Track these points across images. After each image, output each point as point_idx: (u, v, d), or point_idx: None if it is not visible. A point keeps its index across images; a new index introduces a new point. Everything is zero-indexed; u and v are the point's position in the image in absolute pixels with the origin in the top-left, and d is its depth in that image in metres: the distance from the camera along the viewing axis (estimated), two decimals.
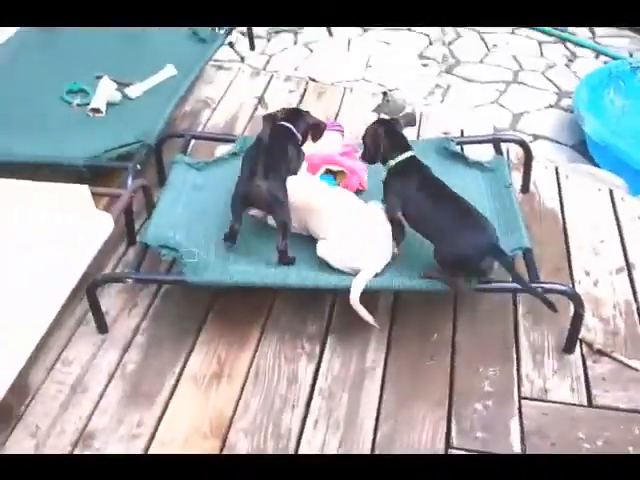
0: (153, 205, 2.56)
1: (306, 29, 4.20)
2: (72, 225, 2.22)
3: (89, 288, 2.18)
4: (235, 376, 2.14)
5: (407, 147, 2.21)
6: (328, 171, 2.49)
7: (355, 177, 2.47)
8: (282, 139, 2.34)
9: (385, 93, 3.49)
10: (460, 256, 2.01)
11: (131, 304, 2.39)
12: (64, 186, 2.37)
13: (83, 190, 2.34)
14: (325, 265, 2.17)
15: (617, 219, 2.73)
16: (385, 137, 2.20)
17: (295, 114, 2.44)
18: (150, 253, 2.34)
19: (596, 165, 3.21)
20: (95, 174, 2.68)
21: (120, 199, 2.40)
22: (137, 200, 2.57)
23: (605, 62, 4.09)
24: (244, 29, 3.95)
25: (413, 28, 4.24)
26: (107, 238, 2.24)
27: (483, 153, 2.76)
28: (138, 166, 2.63)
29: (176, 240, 2.26)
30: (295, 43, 4.10)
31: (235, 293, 2.32)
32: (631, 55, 4.15)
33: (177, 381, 2.13)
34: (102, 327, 2.27)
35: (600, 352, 2.20)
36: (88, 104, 3.10)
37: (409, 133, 3.19)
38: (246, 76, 3.70)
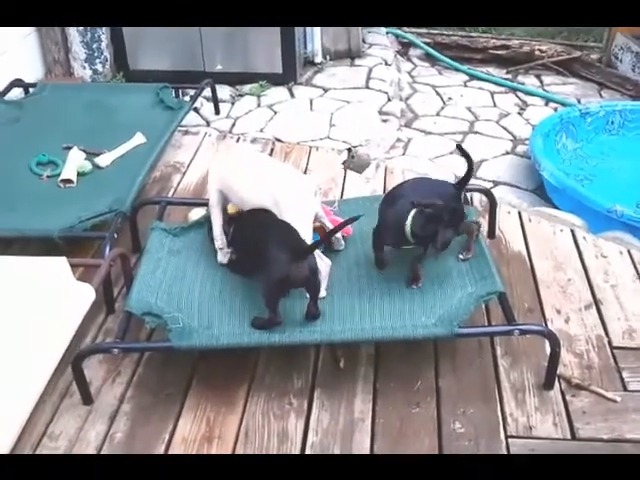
0: (131, 273, 2.59)
1: (268, 92, 4.34)
2: (53, 298, 2.23)
3: (75, 361, 2.17)
4: (226, 437, 2.14)
5: None
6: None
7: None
8: (271, 215, 2.37)
9: (350, 150, 3.62)
10: None
11: (114, 373, 2.38)
12: (41, 259, 2.38)
13: (61, 262, 2.35)
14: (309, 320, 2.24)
15: (581, 257, 2.86)
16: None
17: None
18: (131, 320, 2.36)
19: (555, 207, 3.36)
20: (67, 244, 2.70)
21: (99, 269, 2.41)
22: (114, 268, 2.59)
23: (555, 109, 4.31)
24: (209, 94, 4.06)
25: (371, 85, 4.41)
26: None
27: None
28: (115, 235, 2.67)
29: (159, 306, 2.29)
30: (259, 105, 4.22)
31: (218, 355, 2.34)
32: (579, 101, 4.38)
33: (167, 447, 2.12)
34: (87, 398, 2.26)
35: (578, 386, 2.27)
36: (58, 175, 3.14)
37: (377, 186, 3.35)
38: (213, 139, 3.79)
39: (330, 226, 2.48)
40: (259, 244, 2.25)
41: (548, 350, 2.26)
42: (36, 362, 2.01)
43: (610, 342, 2.45)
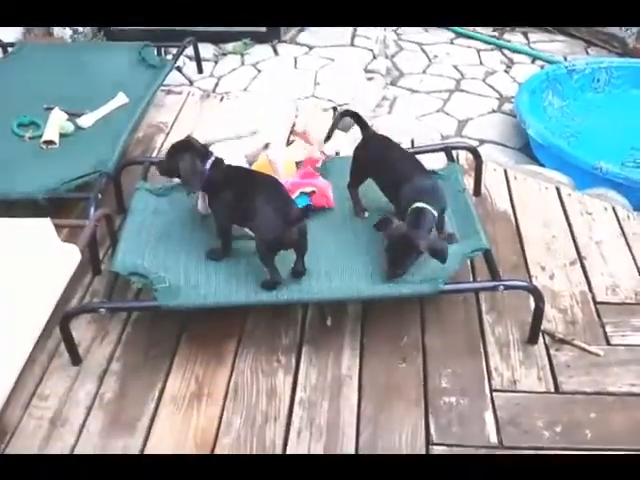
0: (116, 233, 2.58)
1: (251, 50, 4.27)
2: (39, 259, 2.21)
3: (62, 321, 2.18)
4: (214, 394, 2.16)
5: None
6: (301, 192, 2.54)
7: (323, 197, 2.56)
8: (260, 176, 2.35)
9: (335, 108, 3.57)
10: None
11: (102, 333, 2.39)
12: (25, 221, 2.36)
13: (45, 223, 2.33)
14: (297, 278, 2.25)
15: (566, 214, 2.87)
16: None
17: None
18: (118, 281, 2.36)
19: (541, 165, 3.36)
20: (52, 206, 2.67)
21: (84, 230, 2.40)
22: (99, 229, 2.57)
23: (541, 66, 4.29)
24: (191, 53, 3.99)
25: (356, 43, 4.36)
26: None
27: (434, 160, 2.88)
28: (99, 195, 2.65)
29: (145, 266, 2.29)
30: (242, 64, 4.16)
31: (205, 314, 2.35)
32: (565, 58, 4.35)
33: (157, 405, 2.14)
34: (76, 359, 2.27)
35: (562, 341, 2.31)
36: (40, 136, 3.09)
37: None
38: (196, 98, 3.74)
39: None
40: (251, 202, 2.20)
41: (532, 306, 2.29)
42: (24, 323, 2.01)
43: (594, 298, 2.48)
